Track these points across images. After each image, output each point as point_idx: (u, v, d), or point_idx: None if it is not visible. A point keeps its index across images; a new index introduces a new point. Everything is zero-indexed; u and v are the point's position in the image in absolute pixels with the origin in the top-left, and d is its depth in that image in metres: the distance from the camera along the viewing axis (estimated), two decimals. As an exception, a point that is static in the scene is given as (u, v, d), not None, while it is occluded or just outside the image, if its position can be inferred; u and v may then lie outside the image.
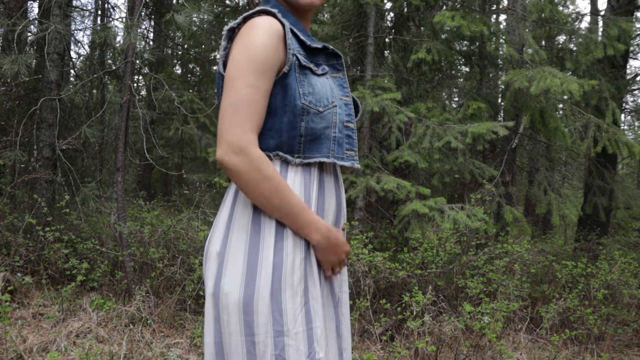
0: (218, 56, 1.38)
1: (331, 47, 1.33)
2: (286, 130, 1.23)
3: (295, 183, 1.25)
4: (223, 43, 1.29)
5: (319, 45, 1.31)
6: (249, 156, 1.17)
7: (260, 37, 1.19)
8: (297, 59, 1.24)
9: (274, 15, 1.24)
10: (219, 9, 6.96)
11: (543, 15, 5.22)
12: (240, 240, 1.22)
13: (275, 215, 1.21)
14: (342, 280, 1.41)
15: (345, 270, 1.43)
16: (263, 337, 1.18)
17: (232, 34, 1.26)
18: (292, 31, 1.26)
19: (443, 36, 5.41)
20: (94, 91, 8.00)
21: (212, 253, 1.25)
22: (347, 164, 1.31)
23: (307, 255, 1.25)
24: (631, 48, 8.15)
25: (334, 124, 1.27)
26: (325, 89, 1.26)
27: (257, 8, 1.27)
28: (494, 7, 7.61)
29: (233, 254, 1.22)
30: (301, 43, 1.27)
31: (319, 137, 1.26)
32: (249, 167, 1.17)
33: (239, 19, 1.26)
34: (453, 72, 7.89)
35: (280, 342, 1.19)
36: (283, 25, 1.23)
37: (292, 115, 1.22)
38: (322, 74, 1.28)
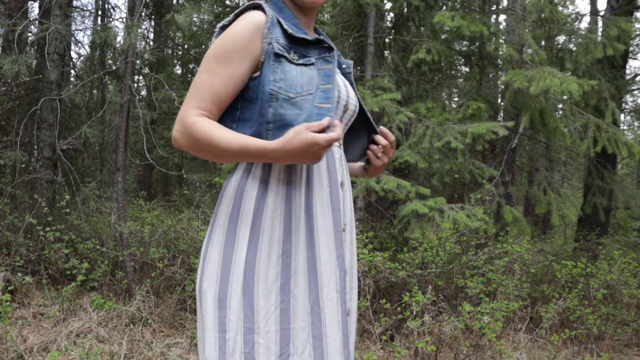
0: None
1: (325, 40, 1.30)
2: (256, 117, 1.23)
3: (280, 171, 1.25)
4: (213, 39, 1.32)
5: (307, 36, 1.28)
6: (183, 125, 1.21)
7: (236, 28, 1.24)
8: (273, 47, 1.23)
9: (261, 7, 1.27)
10: (219, 9, 6.96)
11: (543, 15, 5.22)
12: (218, 238, 1.24)
13: (235, 160, 1.22)
14: (352, 286, 1.35)
15: (355, 277, 1.38)
16: (233, 333, 1.19)
17: (224, 31, 1.30)
18: (279, 22, 1.27)
19: (443, 36, 5.41)
20: (94, 91, 8.00)
21: (201, 253, 1.28)
22: None
23: (287, 252, 1.23)
24: (630, 48, 8.15)
25: (307, 110, 1.23)
26: (302, 78, 1.24)
27: (248, 3, 1.30)
28: (494, 7, 7.61)
29: (212, 252, 1.24)
30: (285, 33, 1.26)
31: (289, 124, 1.22)
32: (184, 134, 1.21)
33: (231, 16, 1.30)
34: (453, 72, 7.89)
35: (250, 340, 1.19)
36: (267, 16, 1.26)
37: (261, 102, 1.22)
38: (304, 64, 1.25)
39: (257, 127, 1.23)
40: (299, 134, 1.14)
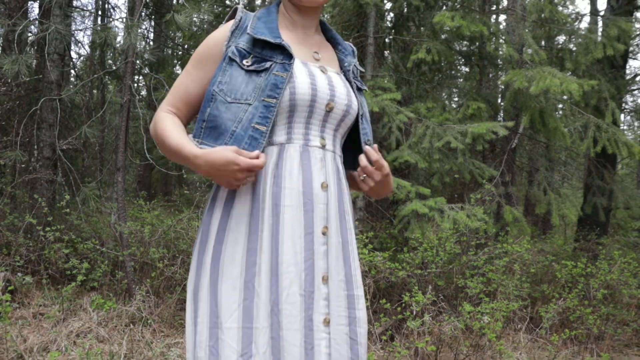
0: None
1: (289, 48, 1.28)
2: (199, 116, 1.29)
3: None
4: None
5: (270, 38, 1.28)
6: (154, 119, 1.33)
7: (211, 34, 1.35)
8: (229, 51, 1.29)
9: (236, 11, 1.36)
10: (219, 9, 6.96)
11: (543, 15, 5.22)
12: (198, 236, 1.31)
13: (177, 160, 1.28)
14: (355, 294, 1.31)
15: (354, 284, 1.32)
16: (200, 326, 1.23)
17: None
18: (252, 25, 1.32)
19: (443, 36, 5.41)
20: (94, 91, 8.00)
21: None
22: None
23: (252, 251, 1.23)
24: (630, 48, 8.15)
25: (240, 119, 1.24)
26: (247, 86, 1.25)
27: (231, 10, 1.38)
28: (494, 7, 7.61)
29: (195, 249, 1.31)
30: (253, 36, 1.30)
31: (218, 127, 1.25)
32: (152, 126, 1.33)
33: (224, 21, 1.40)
34: (453, 72, 7.88)
35: (214, 334, 1.22)
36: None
37: (205, 101, 1.28)
38: (255, 70, 1.26)
39: (197, 125, 1.29)
40: (224, 149, 1.19)
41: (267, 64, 1.26)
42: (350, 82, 1.40)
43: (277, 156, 1.27)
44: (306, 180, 1.27)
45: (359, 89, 1.44)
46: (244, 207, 1.25)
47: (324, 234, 1.28)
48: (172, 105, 1.33)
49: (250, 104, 1.24)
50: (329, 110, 1.31)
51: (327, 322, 1.26)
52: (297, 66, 1.29)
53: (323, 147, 1.32)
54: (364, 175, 1.34)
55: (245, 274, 1.23)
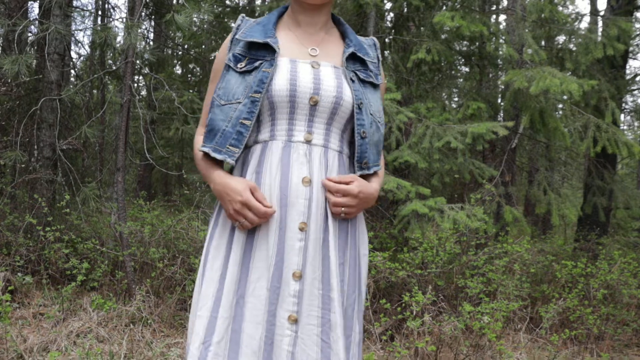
0: None
1: (274, 44, 1.31)
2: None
3: (237, 170, 1.37)
4: None
5: (257, 39, 1.33)
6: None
7: (219, 50, 1.44)
8: (227, 59, 1.36)
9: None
10: (219, 9, 6.96)
11: (543, 15, 5.22)
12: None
13: (205, 180, 1.40)
14: (330, 297, 1.26)
15: (332, 287, 1.27)
16: (190, 315, 1.32)
17: None
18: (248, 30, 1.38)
19: (443, 36, 5.41)
20: (95, 91, 8.00)
21: None
22: (219, 156, 1.30)
23: (230, 244, 1.30)
24: (631, 48, 8.14)
25: (230, 118, 1.30)
26: (238, 87, 1.30)
27: None
28: (494, 7, 7.61)
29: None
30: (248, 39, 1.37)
31: (214, 128, 1.32)
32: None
33: None
34: (453, 72, 7.88)
35: (194, 322, 1.29)
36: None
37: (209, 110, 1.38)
38: (247, 70, 1.31)
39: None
40: (243, 181, 1.27)
41: (257, 63, 1.30)
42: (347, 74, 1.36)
43: (260, 154, 1.31)
44: (284, 175, 1.28)
45: (363, 81, 1.37)
46: None
47: (301, 229, 1.26)
48: (203, 125, 1.43)
49: (240, 102, 1.29)
50: (313, 104, 1.29)
51: (293, 320, 1.24)
52: (281, 63, 1.31)
53: (308, 142, 1.30)
54: (342, 209, 1.31)
55: (223, 266, 1.29)
